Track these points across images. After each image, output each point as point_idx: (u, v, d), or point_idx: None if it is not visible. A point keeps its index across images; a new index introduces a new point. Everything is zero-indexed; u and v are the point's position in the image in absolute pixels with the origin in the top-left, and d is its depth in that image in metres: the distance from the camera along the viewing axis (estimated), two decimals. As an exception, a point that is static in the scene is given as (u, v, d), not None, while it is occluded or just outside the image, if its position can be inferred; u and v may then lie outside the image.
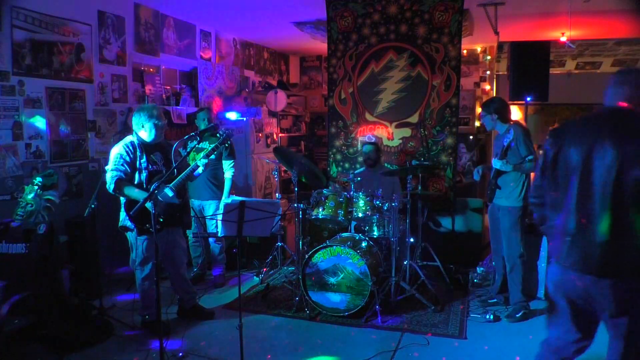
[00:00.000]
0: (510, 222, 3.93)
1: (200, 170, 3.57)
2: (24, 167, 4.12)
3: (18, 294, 3.17)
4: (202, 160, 3.54)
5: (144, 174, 3.51)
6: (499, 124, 3.98)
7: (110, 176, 3.42)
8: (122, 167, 3.44)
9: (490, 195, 4.04)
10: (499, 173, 3.88)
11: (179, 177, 3.51)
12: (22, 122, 4.08)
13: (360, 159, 5.34)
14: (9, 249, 3.38)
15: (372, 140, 5.19)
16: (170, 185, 3.47)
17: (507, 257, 4.02)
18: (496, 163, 3.81)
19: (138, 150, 3.53)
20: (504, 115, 3.97)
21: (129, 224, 3.48)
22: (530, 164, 3.80)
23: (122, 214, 3.54)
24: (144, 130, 3.53)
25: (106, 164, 3.55)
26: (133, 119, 3.57)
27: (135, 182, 3.49)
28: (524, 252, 3.94)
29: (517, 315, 3.94)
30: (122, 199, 3.51)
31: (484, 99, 8.14)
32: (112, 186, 3.40)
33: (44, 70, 4.27)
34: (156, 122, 3.53)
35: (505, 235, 3.99)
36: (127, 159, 3.47)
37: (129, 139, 3.58)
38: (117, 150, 3.49)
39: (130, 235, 3.60)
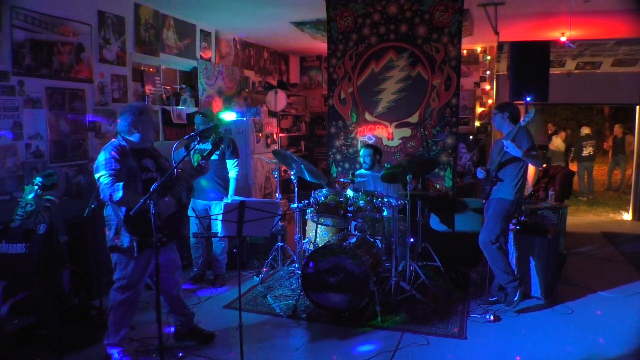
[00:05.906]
0: (495, 211, 4.00)
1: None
2: (24, 167, 4.12)
3: (18, 294, 3.17)
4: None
5: (138, 184, 3.04)
6: (507, 124, 4.07)
7: (108, 182, 2.89)
8: (120, 172, 2.93)
9: (487, 194, 4.11)
10: (501, 166, 4.00)
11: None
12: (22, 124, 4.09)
13: (360, 159, 5.33)
14: (9, 249, 3.38)
15: (372, 141, 5.18)
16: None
17: (482, 244, 4.04)
18: (509, 145, 3.82)
19: (129, 154, 3.07)
20: (515, 118, 4.07)
21: (126, 241, 3.02)
22: (537, 158, 4.00)
23: (112, 232, 3.06)
24: (136, 131, 3.11)
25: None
26: (122, 119, 3.12)
27: None
28: (495, 239, 3.96)
29: (515, 299, 3.98)
30: (110, 214, 3.07)
31: (484, 99, 8.16)
32: (119, 193, 2.84)
33: (44, 70, 4.26)
34: (149, 121, 3.15)
35: (487, 222, 4.05)
36: (121, 163, 2.98)
37: (114, 142, 3.11)
38: (104, 155, 2.98)
39: (118, 256, 3.14)
